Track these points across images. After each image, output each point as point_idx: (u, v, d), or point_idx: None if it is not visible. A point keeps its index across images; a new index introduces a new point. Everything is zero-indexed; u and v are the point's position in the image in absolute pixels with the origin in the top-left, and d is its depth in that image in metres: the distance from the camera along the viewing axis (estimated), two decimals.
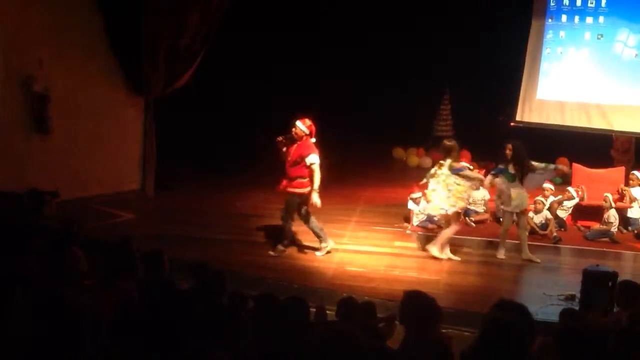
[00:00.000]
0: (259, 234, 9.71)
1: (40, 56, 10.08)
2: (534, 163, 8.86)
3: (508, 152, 8.78)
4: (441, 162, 8.79)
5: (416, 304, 4.13)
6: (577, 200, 10.46)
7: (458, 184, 8.63)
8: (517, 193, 8.74)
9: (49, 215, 9.31)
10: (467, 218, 10.15)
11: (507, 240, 9.07)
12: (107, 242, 6.76)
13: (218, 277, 5.17)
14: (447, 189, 8.63)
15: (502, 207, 9.08)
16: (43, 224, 8.17)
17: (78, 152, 10.71)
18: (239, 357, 3.35)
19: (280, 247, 8.85)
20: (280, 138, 8.74)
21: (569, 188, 10.64)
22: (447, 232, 8.83)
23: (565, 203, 10.39)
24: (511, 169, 8.77)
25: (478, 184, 9.26)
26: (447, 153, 8.74)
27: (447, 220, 8.89)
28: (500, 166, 8.99)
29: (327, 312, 5.50)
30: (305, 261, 8.72)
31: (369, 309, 5.16)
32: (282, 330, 3.70)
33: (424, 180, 9.11)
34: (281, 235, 8.91)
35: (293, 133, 8.60)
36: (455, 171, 8.62)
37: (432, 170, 8.94)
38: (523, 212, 8.93)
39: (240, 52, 13.68)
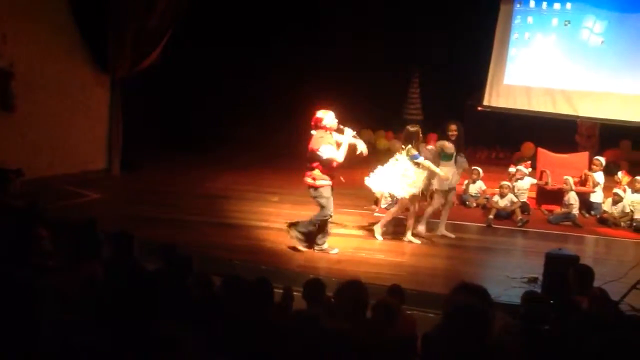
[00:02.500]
0: (228, 216, 9.70)
1: (3, 32, 9.87)
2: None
3: (453, 132, 8.84)
4: (402, 146, 8.76)
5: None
6: (529, 179, 10.58)
7: (413, 171, 8.61)
8: (451, 172, 8.83)
9: (13, 194, 9.18)
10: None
11: (469, 223, 9.20)
12: (73, 222, 6.69)
13: (186, 259, 5.16)
14: (400, 174, 8.64)
15: (434, 186, 9.08)
16: (7, 203, 8.04)
17: (43, 130, 10.56)
18: (205, 338, 3.37)
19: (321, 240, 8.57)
20: None
21: (519, 167, 10.75)
22: (391, 213, 9.01)
23: (520, 184, 10.49)
24: (450, 149, 8.84)
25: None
26: (407, 139, 8.73)
27: (404, 203, 8.90)
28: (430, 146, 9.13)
29: (295, 293, 5.53)
30: (274, 243, 8.73)
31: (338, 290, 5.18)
32: (247, 311, 3.72)
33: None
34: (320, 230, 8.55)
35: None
36: (412, 158, 8.64)
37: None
38: (451, 190, 9.07)
39: (209, 33, 13.57)
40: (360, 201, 10.51)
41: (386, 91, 14.44)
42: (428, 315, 6.14)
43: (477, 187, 10.81)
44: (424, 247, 8.77)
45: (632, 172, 11.33)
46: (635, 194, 10.11)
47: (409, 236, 8.92)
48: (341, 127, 8.34)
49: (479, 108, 12.66)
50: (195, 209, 9.83)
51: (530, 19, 12.34)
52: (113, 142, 11.50)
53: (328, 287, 5.30)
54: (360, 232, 9.30)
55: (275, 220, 9.58)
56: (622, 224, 9.96)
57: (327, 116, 8.34)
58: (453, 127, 8.89)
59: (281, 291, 5.39)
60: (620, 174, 10.86)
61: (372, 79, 14.27)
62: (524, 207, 10.28)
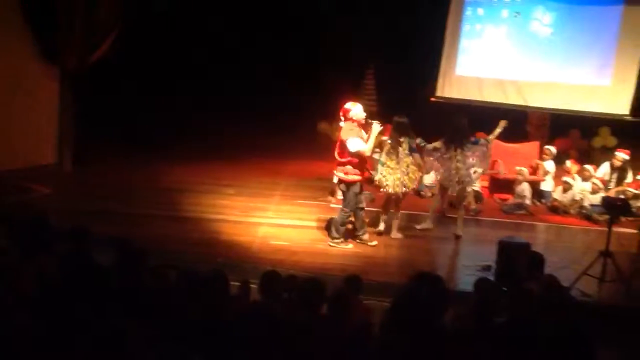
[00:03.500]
0: (184, 209, 9.62)
1: None
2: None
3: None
4: (400, 139, 8.60)
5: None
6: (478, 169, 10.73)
7: (413, 165, 8.66)
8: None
9: None
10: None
11: (424, 213, 9.32)
12: (23, 217, 6.55)
13: (140, 253, 5.10)
14: (405, 169, 8.59)
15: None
16: None
17: None
18: (160, 331, 3.35)
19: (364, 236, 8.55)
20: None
21: None
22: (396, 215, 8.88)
23: None
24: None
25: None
26: (404, 131, 8.65)
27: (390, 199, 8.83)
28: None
29: (251, 286, 5.52)
30: (229, 235, 8.70)
31: (292, 282, 5.20)
32: (202, 304, 3.71)
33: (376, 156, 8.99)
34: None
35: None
36: (412, 150, 8.62)
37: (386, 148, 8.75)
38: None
39: (163, 25, 13.42)
40: (316, 192, 10.56)
41: (342, 83, 14.45)
42: (385, 305, 6.20)
43: (431, 178, 10.91)
44: (381, 238, 8.83)
45: (580, 161, 11.62)
46: (584, 182, 10.37)
47: (395, 233, 8.92)
48: (369, 121, 8.22)
49: (432, 99, 12.79)
50: (150, 203, 9.71)
51: (481, 11, 12.50)
52: (64, 137, 11.28)
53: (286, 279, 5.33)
54: (317, 224, 9.31)
55: (231, 212, 9.56)
56: (572, 211, 10.20)
57: (355, 108, 8.30)
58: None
59: (238, 284, 5.39)
60: (569, 162, 11.13)
61: (326, 71, 14.28)
62: (477, 196, 10.44)
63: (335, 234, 8.46)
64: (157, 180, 10.86)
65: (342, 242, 8.48)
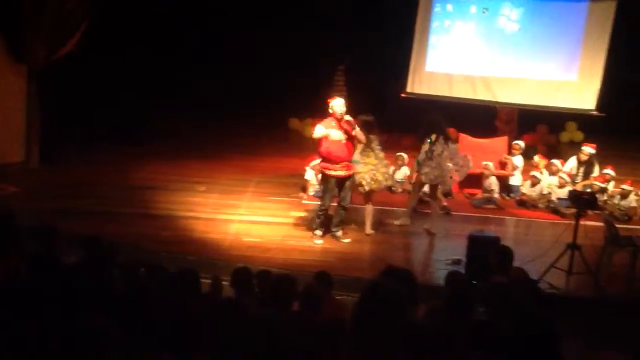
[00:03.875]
0: (155, 207, 9.56)
1: None
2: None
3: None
4: (370, 136, 8.60)
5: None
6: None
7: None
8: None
9: None
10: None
11: (395, 208, 9.38)
12: None
13: (109, 251, 5.07)
14: (384, 165, 8.73)
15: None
16: None
17: None
18: (130, 330, 3.33)
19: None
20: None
21: None
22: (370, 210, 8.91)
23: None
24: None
25: None
26: (370, 129, 8.64)
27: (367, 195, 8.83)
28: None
29: (223, 283, 5.52)
30: (201, 233, 8.67)
31: (264, 278, 5.21)
32: (172, 301, 3.70)
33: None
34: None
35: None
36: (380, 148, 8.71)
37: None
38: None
39: (132, 19, 13.29)
40: (288, 189, 10.55)
41: (312, 79, 14.47)
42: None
43: (402, 173, 11.00)
44: (354, 234, 8.86)
45: (548, 155, 11.78)
46: (552, 177, 10.52)
47: (369, 229, 8.93)
48: (345, 117, 8.18)
49: (402, 95, 12.86)
50: (120, 201, 9.63)
51: (449, 7, 12.58)
52: (31, 134, 11.10)
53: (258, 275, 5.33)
54: (289, 220, 9.32)
55: (202, 210, 9.52)
56: (540, 205, 10.34)
57: (334, 101, 8.35)
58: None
59: (209, 281, 5.38)
60: (537, 157, 11.27)
61: (298, 66, 14.29)
62: (447, 191, 10.52)
63: (313, 226, 8.60)
64: (127, 178, 10.76)
65: (314, 236, 8.55)
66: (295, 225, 9.15)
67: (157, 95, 13.80)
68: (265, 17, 14.58)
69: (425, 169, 8.90)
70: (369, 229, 8.90)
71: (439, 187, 9.34)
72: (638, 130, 13.90)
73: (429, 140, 8.89)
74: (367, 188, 8.61)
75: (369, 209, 8.87)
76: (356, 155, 8.63)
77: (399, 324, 2.81)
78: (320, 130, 8.25)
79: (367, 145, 8.62)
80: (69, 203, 9.26)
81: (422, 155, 8.97)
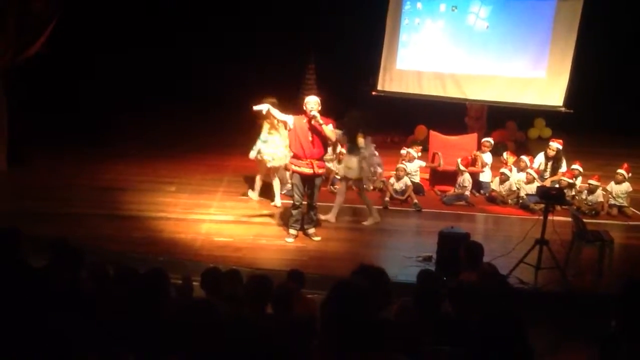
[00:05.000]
0: (124, 208, 9.46)
1: None
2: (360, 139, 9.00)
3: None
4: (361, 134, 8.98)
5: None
6: (418, 161, 10.89)
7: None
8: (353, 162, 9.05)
9: None
10: (331, 186, 10.45)
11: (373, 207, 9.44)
12: None
13: (76, 253, 5.00)
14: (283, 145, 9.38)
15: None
16: None
17: None
18: (99, 330, 3.29)
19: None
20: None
21: (409, 150, 11.03)
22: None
23: (409, 166, 10.73)
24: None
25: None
26: (357, 127, 8.98)
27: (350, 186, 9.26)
28: None
29: (194, 283, 5.48)
30: (171, 233, 8.61)
31: (234, 277, 5.19)
32: (141, 302, 3.66)
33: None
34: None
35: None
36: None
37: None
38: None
39: (100, 19, 13.17)
40: (261, 188, 10.50)
41: (282, 77, 14.44)
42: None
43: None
44: (324, 232, 8.87)
45: (517, 152, 11.90)
46: (520, 173, 10.63)
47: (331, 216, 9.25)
48: (313, 114, 8.23)
49: (373, 93, 12.89)
50: (89, 203, 9.50)
51: (419, 5, 12.63)
52: None
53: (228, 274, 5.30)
54: (260, 219, 9.30)
55: (173, 210, 9.45)
56: (510, 201, 10.45)
57: (308, 97, 8.51)
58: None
59: (180, 282, 5.34)
60: (505, 154, 11.37)
61: (268, 64, 14.25)
62: (417, 188, 10.58)
63: (288, 223, 8.66)
64: (95, 179, 10.61)
65: (288, 234, 8.58)
66: (267, 224, 9.13)
67: (125, 95, 13.68)
68: (233, 14, 14.51)
69: (349, 164, 9.05)
70: (331, 216, 9.21)
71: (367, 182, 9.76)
72: (605, 126, 14.13)
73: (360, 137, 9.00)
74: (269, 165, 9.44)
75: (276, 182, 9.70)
76: (263, 135, 9.44)
77: (367, 321, 2.82)
78: (264, 106, 8.56)
79: (340, 146, 8.89)
80: (36, 205, 9.12)
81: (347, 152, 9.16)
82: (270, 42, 14.34)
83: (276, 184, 9.81)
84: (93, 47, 13.31)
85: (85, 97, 13.01)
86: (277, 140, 9.50)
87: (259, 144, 9.57)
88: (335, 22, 14.20)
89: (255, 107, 8.71)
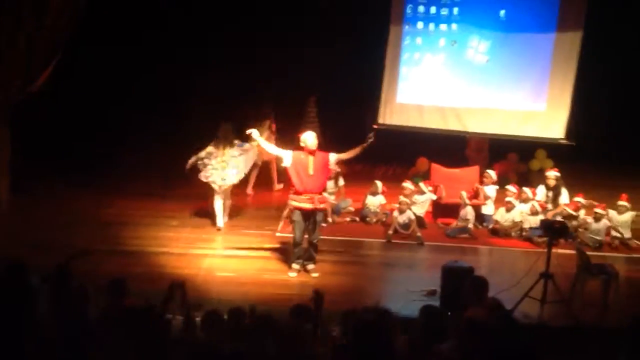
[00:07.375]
0: (126, 243, 9.42)
1: None
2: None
3: None
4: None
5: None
6: (429, 195, 10.89)
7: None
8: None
9: None
10: (334, 215, 10.46)
11: (370, 240, 9.41)
12: None
13: (79, 292, 4.96)
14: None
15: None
16: None
17: None
18: None
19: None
20: None
21: (405, 184, 10.96)
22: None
23: (417, 197, 10.78)
24: None
25: None
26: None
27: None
28: None
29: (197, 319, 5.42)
30: (174, 269, 8.54)
31: (237, 316, 5.15)
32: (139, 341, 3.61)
33: None
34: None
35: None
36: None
37: None
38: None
39: (98, 53, 13.26)
40: (262, 222, 10.49)
41: (284, 110, 14.47)
42: (333, 334, 6.17)
43: (377, 201, 10.95)
44: (327, 266, 8.82)
45: (519, 183, 11.87)
46: (523, 204, 10.60)
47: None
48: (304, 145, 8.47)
49: (375, 126, 12.93)
50: (90, 237, 9.43)
51: (419, 40, 12.74)
52: (0, 167, 10.87)
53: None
54: (263, 253, 9.25)
55: (175, 245, 9.41)
56: (513, 234, 10.41)
57: (304, 135, 8.58)
58: None
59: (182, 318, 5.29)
60: (510, 187, 11.24)
61: (269, 97, 14.27)
62: (420, 222, 10.55)
63: (291, 259, 8.62)
64: (97, 213, 10.59)
65: (290, 269, 8.55)
66: (270, 258, 9.09)
67: (127, 130, 13.69)
68: (232, 50, 14.58)
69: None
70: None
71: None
72: (607, 157, 14.11)
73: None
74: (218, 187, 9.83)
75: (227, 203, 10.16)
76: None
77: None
78: (261, 142, 8.79)
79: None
80: (37, 237, 9.06)
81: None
82: (273, 74, 14.37)
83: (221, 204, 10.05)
84: (97, 82, 13.36)
85: (88, 131, 13.03)
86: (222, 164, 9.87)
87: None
88: (335, 55, 14.25)
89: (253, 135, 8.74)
